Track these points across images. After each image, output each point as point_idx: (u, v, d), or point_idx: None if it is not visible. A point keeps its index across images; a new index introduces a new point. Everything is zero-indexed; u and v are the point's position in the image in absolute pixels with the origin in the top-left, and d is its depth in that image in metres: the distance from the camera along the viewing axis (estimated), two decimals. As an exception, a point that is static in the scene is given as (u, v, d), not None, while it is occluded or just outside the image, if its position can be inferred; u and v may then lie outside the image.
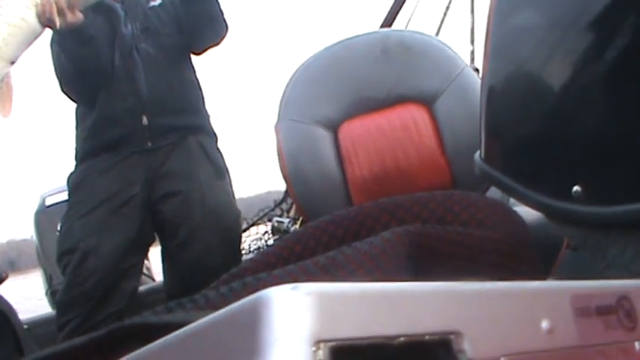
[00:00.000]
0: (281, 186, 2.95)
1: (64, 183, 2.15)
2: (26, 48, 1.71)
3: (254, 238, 3.01)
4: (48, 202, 3.31)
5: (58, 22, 1.68)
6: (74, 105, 2.10)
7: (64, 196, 2.82)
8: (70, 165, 2.12)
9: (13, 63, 1.68)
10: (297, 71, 1.79)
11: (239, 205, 2.16)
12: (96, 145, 2.03)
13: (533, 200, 0.89)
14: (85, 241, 1.93)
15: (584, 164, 0.83)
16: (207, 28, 2.05)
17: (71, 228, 1.98)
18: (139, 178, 2.00)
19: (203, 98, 2.17)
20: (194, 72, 2.15)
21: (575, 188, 0.81)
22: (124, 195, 1.98)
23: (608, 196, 0.81)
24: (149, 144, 2.01)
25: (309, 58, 1.81)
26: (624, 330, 0.50)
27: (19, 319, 1.60)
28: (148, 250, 2.19)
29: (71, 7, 1.71)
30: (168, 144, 2.03)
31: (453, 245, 0.95)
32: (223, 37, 2.09)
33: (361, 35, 1.82)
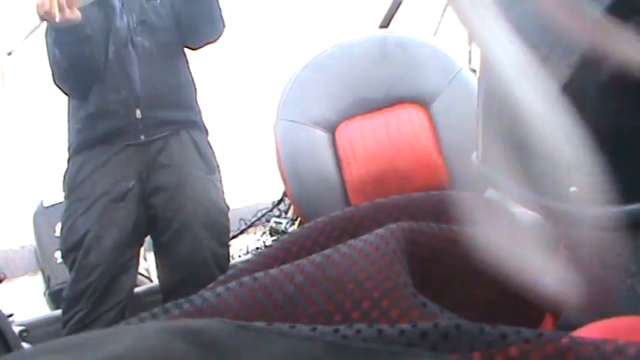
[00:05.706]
0: (269, 199, 2.96)
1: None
2: (23, 40, 1.71)
3: (252, 239, 3.01)
4: (46, 203, 3.30)
5: (57, 16, 1.69)
6: (61, 98, 2.09)
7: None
8: (60, 165, 2.11)
9: (9, 54, 1.68)
10: (295, 72, 1.79)
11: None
12: (90, 137, 2.02)
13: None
14: (87, 236, 1.95)
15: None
16: (206, 25, 2.05)
17: (74, 225, 1.99)
18: (134, 171, 2.01)
19: (196, 93, 2.18)
20: (188, 67, 2.16)
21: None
22: (121, 189, 1.99)
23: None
24: (142, 137, 2.01)
25: (308, 59, 1.81)
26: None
27: (9, 325, 1.58)
28: (143, 243, 2.20)
29: (70, 4, 1.72)
30: (161, 137, 2.03)
31: (446, 242, 0.95)
32: (220, 34, 2.11)
33: (359, 36, 1.82)
